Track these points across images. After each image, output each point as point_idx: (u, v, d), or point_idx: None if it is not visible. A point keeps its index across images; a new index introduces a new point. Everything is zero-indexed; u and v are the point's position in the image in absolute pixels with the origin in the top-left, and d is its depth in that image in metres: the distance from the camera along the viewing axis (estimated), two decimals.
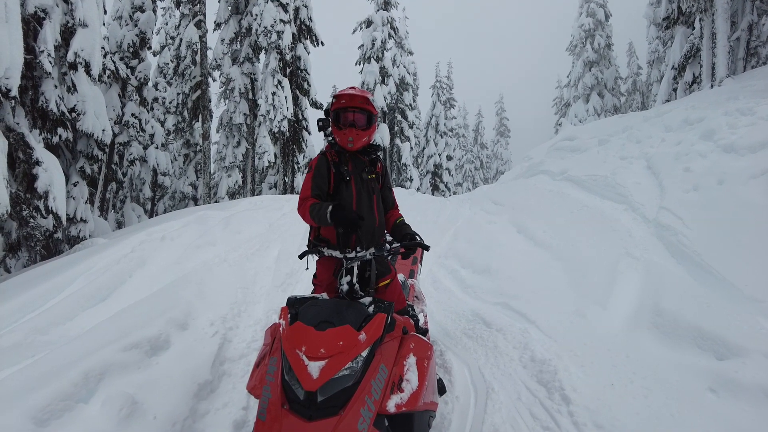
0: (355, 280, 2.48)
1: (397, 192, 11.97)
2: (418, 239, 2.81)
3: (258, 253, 6.58)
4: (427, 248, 2.72)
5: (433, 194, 29.60)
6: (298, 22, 19.81)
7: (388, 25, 25.31)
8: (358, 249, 2.55)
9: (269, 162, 18.64)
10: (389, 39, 25.51)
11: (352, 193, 2.76)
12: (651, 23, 25.92)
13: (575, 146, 10.97)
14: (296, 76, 20.10)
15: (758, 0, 11.93)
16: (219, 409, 2.99)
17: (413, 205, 11.65)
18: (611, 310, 4.21)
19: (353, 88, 2.80)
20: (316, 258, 2.82)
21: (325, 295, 2.48)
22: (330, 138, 2.91)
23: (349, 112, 2.75)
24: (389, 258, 2.82)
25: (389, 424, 2.04)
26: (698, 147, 7.08)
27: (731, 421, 2.57)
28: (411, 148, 27.34)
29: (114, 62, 15.82)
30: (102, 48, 12.49)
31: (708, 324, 3.44)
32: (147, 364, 3.08)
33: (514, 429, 2.68)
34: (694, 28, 14.42)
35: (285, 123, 18.44)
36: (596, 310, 4.23)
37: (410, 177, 26.84)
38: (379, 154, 3.04)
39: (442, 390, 2.81)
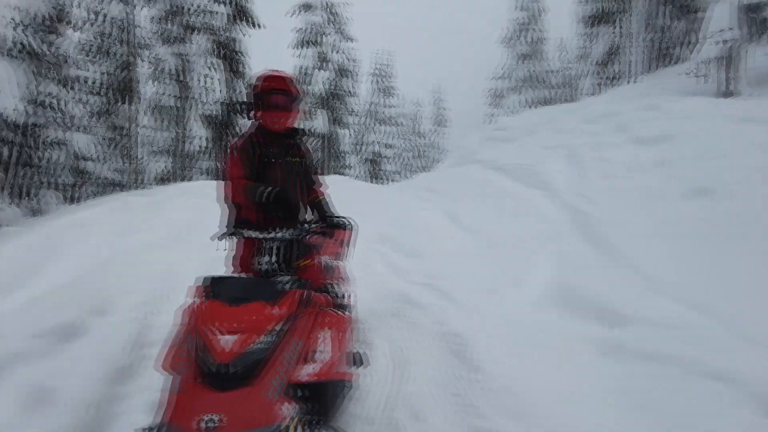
0: (273, 259, 2.54)
1: (335, 179, 11.91)
2: (341, 220, 2.90)
3: (185, 238, 6.41)
4: (348, 227, 2.81)
5: (372, 182, 29.74)
6: (233, 3, 19.11)
7: (328, 9, 24.94)
8: (278, 230, 2.59)
9: (200, 147, 18.02)
10: (329, 24, 25.15)
11: (277, 176, 2.81)
12: (579, 20, 27.22)
13: (505, 136, 11.45)
14: (231, 58, 19.44)
15: (670, 5, 12.93)
16: (137, 392, 2.94)
17: (351, 192, 11.66)
18: (525, 288, 4.53)
19: (275, 70, 2.84)
20: (235, 239, 2.84)
21: (243, 275, 2.52)
22: (254, 120, 2.93)
23: (272, 94, 2.80)
24: (311, 238, 2.88)
25: (303, 394, 2.13)
26: (613, 138, 7.69)
27: (617, 379, 2.92)
28: (350, 135, 27.25)
29: (27, 35, 14.57)
30: (12, 19, 11.49)
31: (606, 298, 3.84)
32: (59, 351, 2.98)
33: (427, 396, 2.85)
34: (615, 27, 15.40)
35: (218, 106, 17.86)
36: (512, 289, 4.55)
37: (349, 164, 26.81)
38: (304, 138, 3.10)
39: (363, 363, 2.93)
